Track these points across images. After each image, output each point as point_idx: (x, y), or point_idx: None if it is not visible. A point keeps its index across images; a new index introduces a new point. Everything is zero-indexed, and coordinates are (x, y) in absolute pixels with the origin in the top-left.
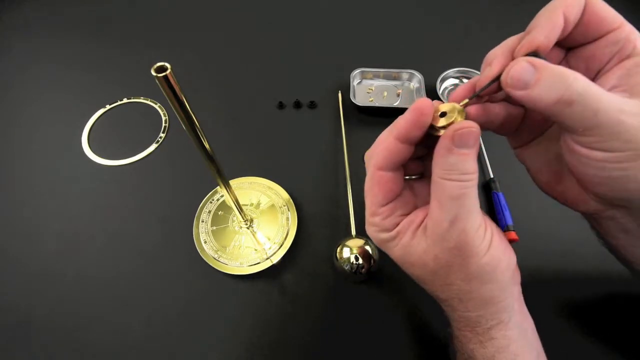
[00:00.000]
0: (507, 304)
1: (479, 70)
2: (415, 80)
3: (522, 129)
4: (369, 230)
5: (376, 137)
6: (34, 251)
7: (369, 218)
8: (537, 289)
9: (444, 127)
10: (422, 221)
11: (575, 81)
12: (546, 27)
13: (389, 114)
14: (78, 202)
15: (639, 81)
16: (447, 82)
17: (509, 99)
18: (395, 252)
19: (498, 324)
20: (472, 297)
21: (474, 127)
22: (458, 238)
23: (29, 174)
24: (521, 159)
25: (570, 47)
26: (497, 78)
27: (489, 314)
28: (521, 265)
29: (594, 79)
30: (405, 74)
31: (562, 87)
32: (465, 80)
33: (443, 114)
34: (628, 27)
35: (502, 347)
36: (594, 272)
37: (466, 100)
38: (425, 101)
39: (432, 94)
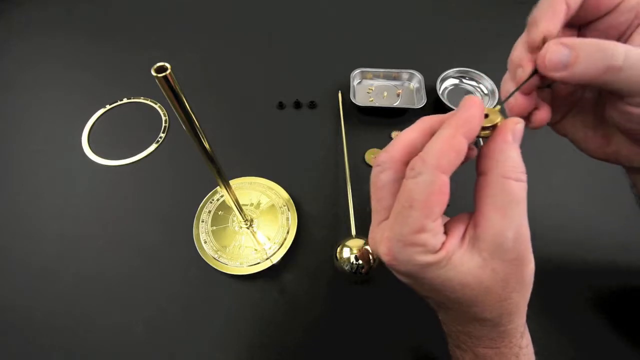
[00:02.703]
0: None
1: (479, 70)
2: (415, 80)
3: (553, 108)
4: (408, 253)
5: (376, 137)
6: (34, 251)
7: (410, 237)
8: (536, 290)
9: (487, 128)
10: (464, 234)
11: (617, 47)
12: (552, 16)
13: (389, 114)
14: (78, 202)
15: None
16: (447, 82)
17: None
18: (441, 275)
19: (524, 331)
20: (520, 307)
21: (523, 123)
22: (520, 248)
23: (29, 174)
24: (562, 133)
25: (584, 24)
26: (534, 73)
27: (523, 320)
28: None
29: None
30: (405, 74)
31: (606, 57)
32: (465, 81)
33: (485, 115)
34: None
35: (530, 355)
36: (594, 271)
37: (499, 107)
38: (476, 98)
39: (432, 94)
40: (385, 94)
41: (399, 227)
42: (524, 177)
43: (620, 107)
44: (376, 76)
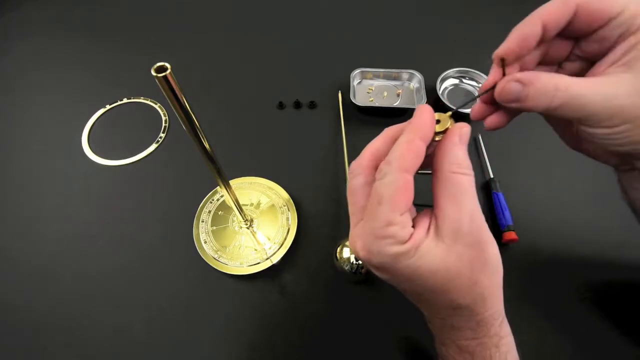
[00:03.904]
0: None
1: (479, 70)
2: (415, 80)
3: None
4: (379, 245)
5: (376, 137)
6: (34, 251)
7: (380, 230)
8: (535, 289)
9: (441, 133)
10: (429, 226)
11: (557, 92)
12: (517, 37)
13: (389, 114)
14: (78, 202)
15: (636, 56)
16: (447, 82)
17: None
18: (412, 264)
19: (503, 319)
20: (493, 291)
21: (469, 127)
22: (478, 232)
23: (29, 174)
24: (547, 121)
25: (581, 36)
26: (492, 88)
27: (499, 308)
28: (521, 265)
29: (605, 53)
30: (405, 74)
31: (547, 99)
32: (465, 81)
33: (437, 121)
34: (632, 8)
35: (510, 345)
36: (594, 271)
37: (450, 113)
38: (428, 106)
39: (432, 93)
40: (385, 94)
41: (371, 223)
42: (470, 172)
43: (578, 126)
44: (376, 76)
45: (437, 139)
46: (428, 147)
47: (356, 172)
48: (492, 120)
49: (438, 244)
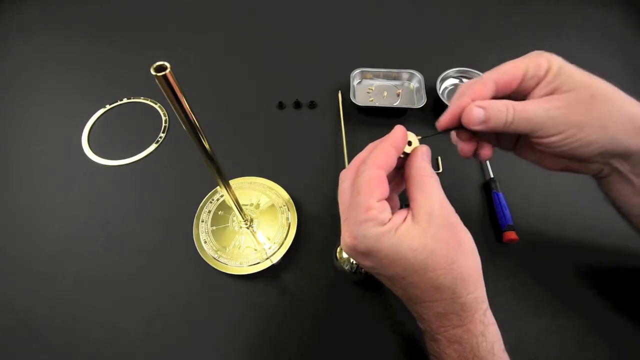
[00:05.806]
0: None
1: (479, 70)
2: (415, 80)
3: (500, 141)
4: (362, 229)
5: (376, 137)
6: (34, 251)
7: (361, 215)
8: (536, 288)
9: (406, 153)
10: (406, 216)
11: (508, 111)
12: (455, 110)
13: (389, 114)
14: (78, 202)
15: (557, 85)
16: (447, 82)
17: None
18: (394, 244)
19: (487, 310)
20: (471, 273)
21: (428, 147)
22: (448, 215)
23: (29, 174)
24: (519, 156)
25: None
26: (455, 128)
27: (482, 294)
28: (521, 264)
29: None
30: (405, 74)
31: (503, 118)
32: (465, 80)
33: (409, 143)
34: (531, 69)
35: (496, 335)
36: (594, 270)
37: (420, 137)
38: (402, 127)
39: (432, 93)
40: (385, 93)
41: (354, 211)
42: (435, 176)
43: (534, 141)
44: (376, 76)
45: (407, 151)
46: (399, 161)
47: (344, 177)
48: (483, 153)
49: (415, 227)
